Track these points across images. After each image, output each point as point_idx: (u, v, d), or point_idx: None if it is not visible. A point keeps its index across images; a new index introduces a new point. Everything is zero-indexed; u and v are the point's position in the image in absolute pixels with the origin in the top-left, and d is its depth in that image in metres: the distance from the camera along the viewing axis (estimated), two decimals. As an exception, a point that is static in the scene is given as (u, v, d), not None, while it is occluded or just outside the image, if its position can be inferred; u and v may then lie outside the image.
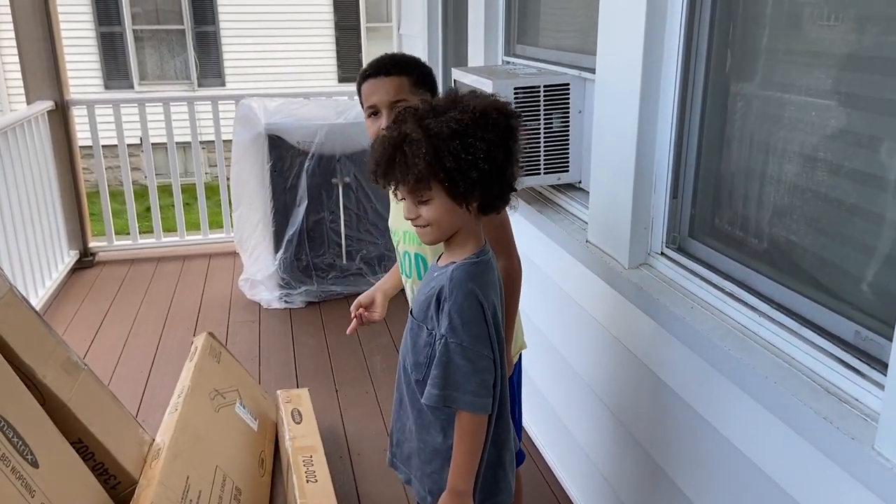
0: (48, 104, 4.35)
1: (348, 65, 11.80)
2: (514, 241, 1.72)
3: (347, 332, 1.85)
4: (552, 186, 2.47)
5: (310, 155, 3.81)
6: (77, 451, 1.90)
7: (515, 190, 1.37)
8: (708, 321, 1.58)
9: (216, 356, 2.78)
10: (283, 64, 11.34)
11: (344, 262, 4.09)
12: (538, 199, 2.54)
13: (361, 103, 1.76)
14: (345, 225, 4.03)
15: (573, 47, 2.52)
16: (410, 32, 4.46)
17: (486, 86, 2.32)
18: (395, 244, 1.83)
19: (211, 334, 2.84)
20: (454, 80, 2.72)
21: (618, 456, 2.08)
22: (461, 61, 3.76)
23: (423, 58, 4.10)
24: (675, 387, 1.69)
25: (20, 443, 1.68)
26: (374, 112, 1.70)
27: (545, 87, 2.30)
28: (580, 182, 2.40)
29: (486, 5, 2.88)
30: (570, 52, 2.50)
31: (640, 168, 1.83)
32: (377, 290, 1.89)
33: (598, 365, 2.13)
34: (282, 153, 3.81)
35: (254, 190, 3.93)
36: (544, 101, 2.31)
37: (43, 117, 4.31)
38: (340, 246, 4.06)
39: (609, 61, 1.92)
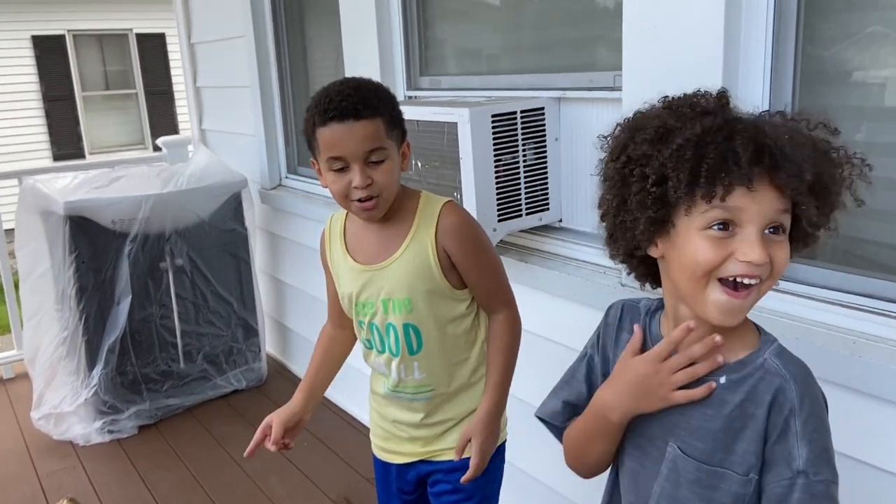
0: None
1: (64, 140, 10.22)
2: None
3: (246, 454, 1.50)
4: (531, 231, 2.09)
5: (131, 237, 2.97)
6: None
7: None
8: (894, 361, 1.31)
9: (89, 533, 1.93)
10: (-20, 143, 9.43)
11: (182, 365, 3.25)
12: (515, 248, 2.13)
13: (314, 150, 1.38)
14: (179, 319, 3.21)
15: (518, 69, 2.19)
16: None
17: (457, 116, 1.88)
18: (359, 320, 1.50)
19: (73, 500, 1.97)
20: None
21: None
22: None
23: (255, 109, 3.45)
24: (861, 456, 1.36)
25: None
26: (341, 167, 1.34)
27: (522, 112, 1.94)
28: (561, 221, 2.05)
29: (380, 34, 2.43)
30: (512, 75, 2.16)
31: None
32: (304, 409, 1.56)
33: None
34: (91, 239, 2.92)
35: (53, 291, 2.97)
36: (521, 129, 1.95)
37: None
38: (176, 347, 3.23)
39: (661, 69, 1.61)
